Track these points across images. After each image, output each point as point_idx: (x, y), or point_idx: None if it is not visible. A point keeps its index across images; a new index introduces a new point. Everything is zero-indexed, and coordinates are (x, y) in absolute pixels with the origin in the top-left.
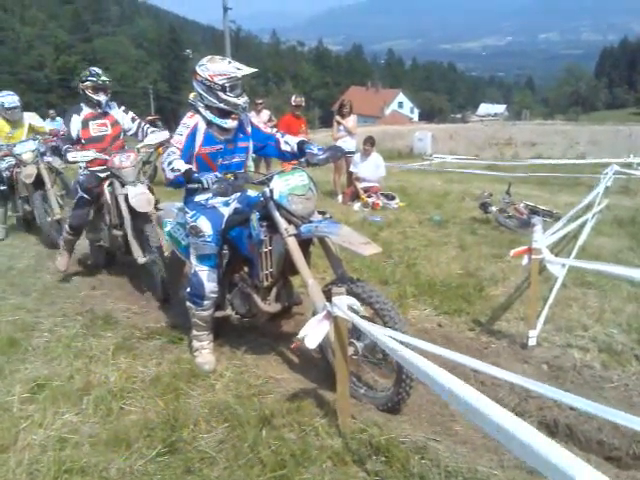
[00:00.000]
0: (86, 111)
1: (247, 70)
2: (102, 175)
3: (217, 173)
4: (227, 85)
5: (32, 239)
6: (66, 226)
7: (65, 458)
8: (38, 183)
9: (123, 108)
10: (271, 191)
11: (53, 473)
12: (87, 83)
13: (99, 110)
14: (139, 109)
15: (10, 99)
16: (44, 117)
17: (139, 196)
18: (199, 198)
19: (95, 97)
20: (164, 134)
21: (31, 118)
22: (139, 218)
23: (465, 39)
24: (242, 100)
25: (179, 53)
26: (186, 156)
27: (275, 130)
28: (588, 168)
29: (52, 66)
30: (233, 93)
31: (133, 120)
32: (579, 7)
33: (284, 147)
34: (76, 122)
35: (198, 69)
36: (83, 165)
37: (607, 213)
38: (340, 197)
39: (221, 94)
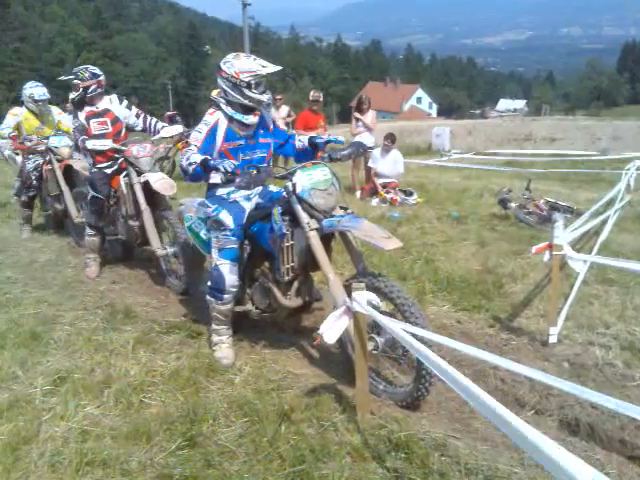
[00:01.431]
0: (86, 109)
1: (272, 68)
2: (108, 171)
3: (234, 161)
4: (253, 82)
5: (54, 234)
6: (87, 229)
7: (87, 450)
8: (69, 180)
9: (126, 103)
10: (294, 185)
11: (75, 465)
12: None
13: (98, 107)
14: (158, 105)
15: (40, 91)
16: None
17: (161, 180)
18: (221, 192)
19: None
20: (177, 127)
21: (59, 114)
22: (158, 206)
23: (486, 34)
24: (266, 97)
25: (198, 49)
26: (206, 153)
27: (292, 131)
28: (607, 163)
29: (73, 63)
30: (257, 90)
31: (137, 116)
32: (601, 1)
33: (298, 145)
34: (81, 117)
35: (223, 66)
36: (91, 162)
37: (630, 209)
38: (358, 193)
39: (246, 91)
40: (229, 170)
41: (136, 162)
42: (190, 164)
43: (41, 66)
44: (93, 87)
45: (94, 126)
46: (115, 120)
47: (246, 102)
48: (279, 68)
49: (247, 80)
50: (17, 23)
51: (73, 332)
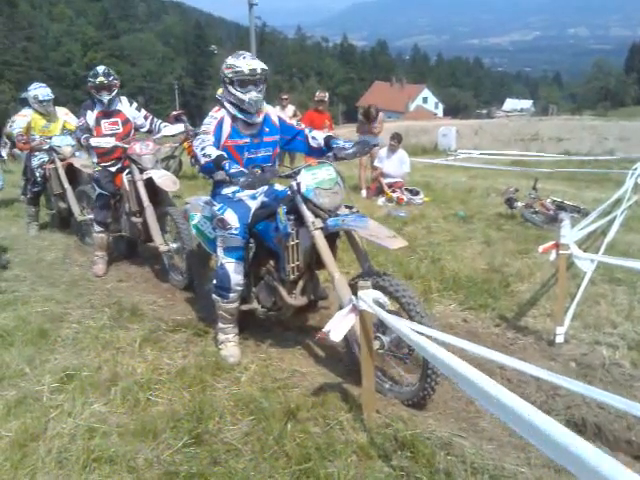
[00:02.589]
0: (98, 109)
1: (255, 65)
2: (113, 170)
3: (244, 169)
4: (235, 79)
5: (60, 232)
6: (95, 226)
7: (94, 447)
8: (72, 179)
9: (136, 105)
10: (298, 184)
11: (82, 462)
12: (89, 84)
13: (110, 108)
14: (164, 104)
15: (44, 91)
16: (75, 113)
17: (164, 177)
18: (226, 191)
19: (98, 96)
20: (179, 126)
21: (65, 114)
22: (160, 203)
23: (492, 34)
24: (248, 96)
25: (204, 49)
26: (216, 145)
27: (303, 125)
28: (614, 163)
29: (80, 62)
30: (242, 88)
31: (145, 118)
32: (608, 2)
33: (311, 142)
34: (90, 118)
35: (223, 64)
36: (96, 160)
37: (637, 209)
38: (364, 192)
39: (230, 88)
40: (236, 181)
41: (139, 159)
42: (204, 155)
43: (48, 65)
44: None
45: (105, 126)
46: (126, 121)
47: (232, 99)
48: (263, 67)
49: (230, 76)
50: (25, 23)
51: (80, 330)
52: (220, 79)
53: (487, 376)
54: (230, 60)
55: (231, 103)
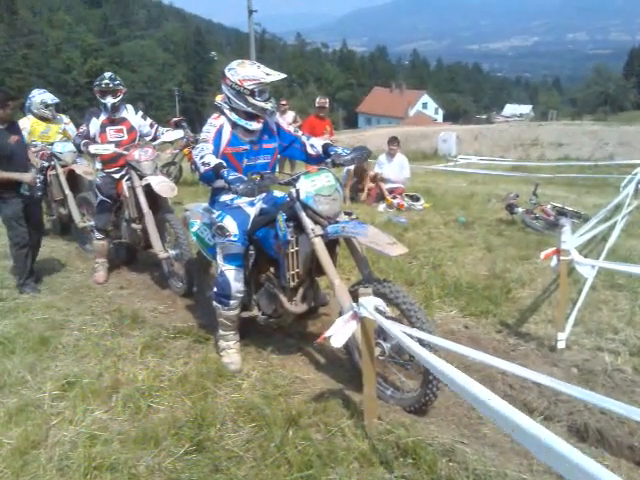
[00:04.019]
0: (104, 116)
1: (276, 76)
2: (116, 176)
3: (243, 177)
4: (256, 90)
5: (61, 239)
6: (95, 233)
7: (95, 454)
8: (73, 186)
9: (141, 114)
10: (297, 191)
11: (83, 469)
12: (95, 88)
13: (116, 115)
14: (164, 111)
15: (49, 96)
16: (75, 120)
17: (162, 183)
18: (225, 198)
19: (102, 100)
20: (178, 132)
21: (66, 124)
22: (160, 209)
23: (492, 40)
24: (269, 105)
25: (204, 55)
26: (215, 153)
27: (300, 133)
28: (614, 168)
29: (80, 69)
30: (261, 97)
31: (151, 126)
32: (607, 7)
33: (310, 150)
34: (95, 125)
35: (228, 73)
36: (100, 167)
37: (637, 214)
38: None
39: (250, 98)
40: (236, 189)
41: (138, 166)
42: (203, 164)
43: (49, 72)
44: (125, 93)
45: (110, 133)
46: (131, 129)
47: (249, 109)
48: (283, 76)
49: (251, 88)
50: (25, 29)
51: (81, 337)
52: (229, 89)
53: (486, 382)
54: (245, 71)
55: (235, 110)
